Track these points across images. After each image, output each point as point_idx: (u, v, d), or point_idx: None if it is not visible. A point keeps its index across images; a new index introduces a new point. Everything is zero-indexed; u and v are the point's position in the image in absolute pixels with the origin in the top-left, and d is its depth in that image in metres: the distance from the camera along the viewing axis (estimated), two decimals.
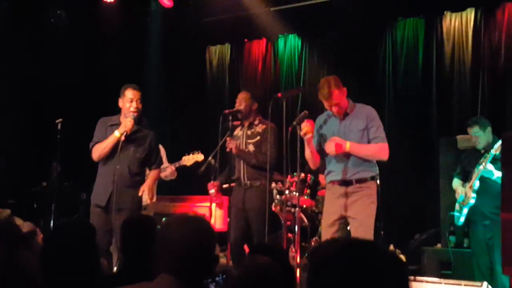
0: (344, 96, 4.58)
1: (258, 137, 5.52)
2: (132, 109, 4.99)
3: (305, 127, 4.56)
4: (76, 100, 8.55)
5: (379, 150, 4.52)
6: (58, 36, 8.50)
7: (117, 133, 4.93)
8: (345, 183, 4.54)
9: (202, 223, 2.01)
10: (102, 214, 4.94)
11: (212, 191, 5.64)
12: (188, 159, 6.39)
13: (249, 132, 5.59)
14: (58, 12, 8.15)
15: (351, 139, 4.52)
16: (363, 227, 4.40)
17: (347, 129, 4.59)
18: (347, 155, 4.49)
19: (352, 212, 4.48)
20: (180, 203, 7.69)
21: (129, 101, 5.02)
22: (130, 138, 5.00)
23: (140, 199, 5.11)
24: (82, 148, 7.42)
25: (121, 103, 5.10)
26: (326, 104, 4.59)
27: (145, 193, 5.01)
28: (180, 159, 6.55)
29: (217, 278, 2.34)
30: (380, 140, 4.52)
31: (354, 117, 4.60)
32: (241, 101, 5.61)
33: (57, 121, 5.99)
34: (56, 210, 6.17)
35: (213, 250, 2.01)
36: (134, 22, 9.08)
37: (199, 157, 6.28)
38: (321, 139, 4.72)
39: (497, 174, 5.01)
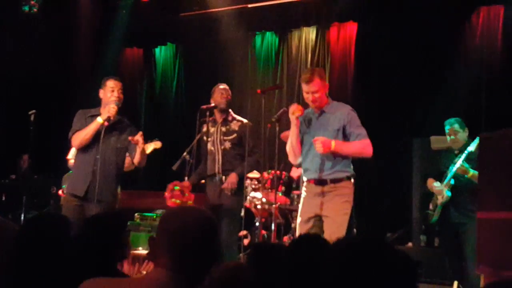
0: (324, 90, 4.57)
1: (235, 135, 5.46)
2: (113, 98, 4.94)
3: (294, 107, 4.57)
4: (46, 92, 8.43)
5: (364, 146, 4.48)
6: (30, 27, 8.36)
7: (99, 119, 4.85)
8: (320, 182, 4.53)
9: (203, 214, 1.93)
10: (77, 205, 4.87)
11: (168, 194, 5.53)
12: (147, 147, 6.33)
13: (223, 129, 5.51)
14: (32, 2, 8.00)
15: (326, 136, 4.51)
16: (336, 224, 4.40)
17: (322, 127, 4.58)
18: (322, 154, 4.48)
19: (326, 211, 4.45)
20: (153, 198, 7.63)
21: (110, 90, 4.96)
22: (111, 128, 4.93)
23: (117, 192, 5.07)
24: (52, 141, 7.38)
25: (102, 93, 5.03)
26: (304, 90, 4.55)
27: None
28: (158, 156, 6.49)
29: None
30: (363, 137, 4.48)
31: (330, 116, 4.58)
32: (227, 95, 5.52)
33: (30, 112, 5.87)
34: (26, 203, 6.05)
35: (215, 243, 1.95)
36: (108, 15, 8.97)
37: (157, 144, 6.19)
38: (300, 135, 4.72)
39: (471, 173, 5.08)
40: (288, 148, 4.77)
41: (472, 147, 5.04)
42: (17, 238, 2.48)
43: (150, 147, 6.22)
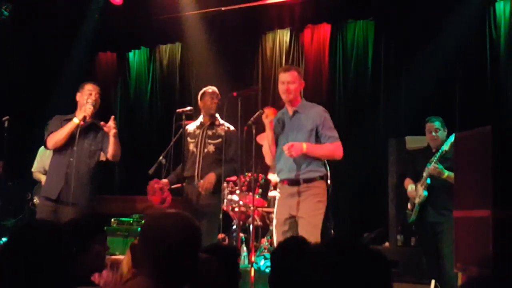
0: (299, 85, 4.64)
1: (220, 139, 5.43)
2: (90, 101, 4.93)
3: (268, 110, 4.63)
4: (20, 98, 8.32)
5: (334, 149, 4.56)
6: (3, 31, 8.24)
7: (76, 120, 4.87)
8: (293, 182, 4.56)
9: (185, 220, 1.89)
10: (51, 210, 4.81)
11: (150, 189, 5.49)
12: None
13: (210, 132, 5.49)
14: (5, 6, 7.88)
15: (298, 137, 4.54)
16: (310, 225, 4.42)
17: (296, 128, 4.61)
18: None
19: (300, 212, 4.49)
20: (129, 203, 7.59)
21: (88, 94, 5.00)
22: (85, 131, 4.93)
23: (92, 196, 5.03)
24: (27, 147, 7.28)
25: (78, 96, 5.05)
26: (280, 80, 4.60)
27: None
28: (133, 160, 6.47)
29: None
30: (335, 139, 4.56)
31: (303, 116, 4.62)
32: (213, 98, 5.49)
33: (4, 118, 5.80)
34: (1, 210, 5.97)
35: (197, 249, 1.91)
36: (81, 19, 8.88)
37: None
38: (280, 138, 4.74)
39: (446, 174, 5.13)
40: (264, 150, 4.80)
41: (446, 146, 5.09)
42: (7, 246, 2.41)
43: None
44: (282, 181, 4.66)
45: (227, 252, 2.99)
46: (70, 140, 4.86)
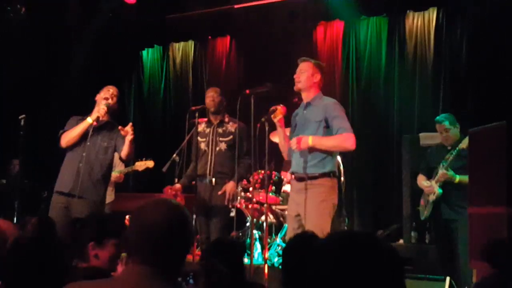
0: (312, 78, 4.58)
1: (231, 136, 5.47)
2: (104, 101, 4.99)
3: (276, 109, 4.62)
4: (36, 97, 8.39)
5: (343, 140, 4.38)
6: (18, 30, 8.31)
7: (89, 119, 4.93)
8: (300, 178, 4.50)
9: (174, 205, 1.89)
10: (63, 205, 4.86)
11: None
12: (140, 165, 6.44)
13: (220, 130, 5.53)
14: (18, 6, 7.95)
15: (307, 129, 4.50)
16: (316, 228, 4.28)
17: (307, 120, 4.58)
18: (301, 149, 4.46)
19: (304, 212, 4.40)
20: (144, 200, 7.61)
21: (105, 95, 5.04)
22: (99, 128, 4.98)
23: (104, 193, 5.07)
24: (42, 146, 7.34)
25: (98, 97, 5.11)
26: (296, 72, 4.63)
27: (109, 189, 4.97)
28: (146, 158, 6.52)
29: (187, 278, 2.29)
30: (344, 130, 4.39)
31: (314, 108, 4.56)
32: (215, 97, 5.55)
33: (20, 117, 5.85)
34: (18, 208, 6.03)
35: (188, 234, 1.90)
36: (96, 18, 8.93)
37: (150, 163, 6.34)
38: (293, 128, 4.73)
39: (457, 179, 5.10)
40: (280, 147, 4.81)
41: (463, 145, 5.02)
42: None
43: (142, 166, 6.32)
44: (292, 174, 4.63)
45: (232, 247, 3.01)
46: (83, 137, 4.93)
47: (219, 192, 5.34)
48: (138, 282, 1.78)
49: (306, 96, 4.64)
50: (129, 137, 4.83)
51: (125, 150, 4.90)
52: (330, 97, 4.72)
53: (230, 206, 5.42)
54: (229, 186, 5.36)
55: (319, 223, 4.25)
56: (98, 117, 4.91)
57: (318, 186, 4.39)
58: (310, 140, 4.37)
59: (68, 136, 4.97)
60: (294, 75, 4.63)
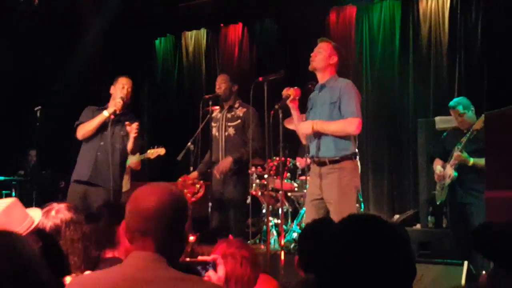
0: (328, 58, 4.51)
1: (239, 121, 5.53)
2: (123, 94, 5.03)
3: (289, 90, 4.56)
4: (51, 88, 8.44)
5: (346, 124, 4.37)
6: (32, 22, 8.36)
7: (106, 113, 5.00)
8: (320, 163, 4.45)
9: (174, 192, 1.88)
10: (80, 195, 4.92)
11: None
12: (152, 153, 6.50)
13: (229, 115, 5.59)
14: None
15: (322, 111, 4.47)
16: (340, 213, 4.27)
17: (321, 102, 4.54)
18: (319, 132, 4.44)
19: (327, 196, 4.37)
20: None
21: (121, 87, 5.11)
22: (116, 119, 5.03)
23: (121, 181, 5.12)
24: (59, 136, 7.39)
25: (112, 90, 5.17)
26: (315, 48, 4.57)
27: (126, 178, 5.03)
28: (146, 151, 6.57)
29: (207, 266, 2.29)
30: (349, 114, 4.36)
31: (329, 90, 4.50)
32: (221, 84, 5.60)
33: (36, 108, 5.91)
34: (36, 199, 6.10)
35: (186, 219, 1.90)
36: (107, 7, 8.93)
37: (162, 151, 6.40)
38: (308, 114, 4.69)
39: (471, 161, 5.07)
40: (296, 128, 4.75)
41: (477, 126, 4.97)
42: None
43: (154, 154, 6.37)
44: (311, 159, 4.59)
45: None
46: (100, 129, 5.00)
47: (215, 167, 5.36)
48: (142, 269, 1.78)
49: (321, 77, 4.58)
50: (133, 134, 4.91)
51: (129, 145, 5.02)
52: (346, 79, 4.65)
53: (218, 176, 5.40)
54: (224, 161, 5.42)
55: (345, 207, 4.23)
56: (114, 111, 4.98)
57: (339, 170, 4.35)
58: (313, 125, 4.36)
59: (85, 129, 5.04)
60: (312, 53, 4.56)
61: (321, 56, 4.51)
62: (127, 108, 5.17)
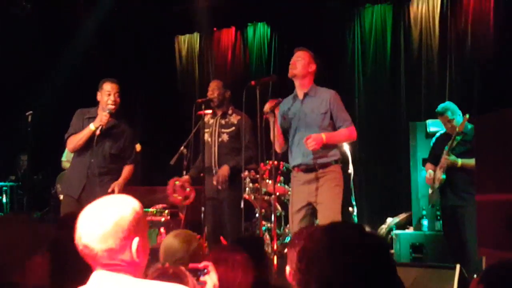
0: (308, 66, 4.63)
1: (233, 128, 5.49)
2: (109, 102, 4.90)
3: (267, 104, 4.64)
4: (42, 92, 8.43)
5: (350, 134, 4.62)
6: (25, 26, 8.33)
7: (92, 127, 4.85)
8: (308, 170, 4.55)
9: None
10: (74, 205, 4.87)
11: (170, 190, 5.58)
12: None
13: (223, 122, 5.55)
14: (24, 3, 7.96)
15: (311, 120, 4.55)
16: (330, 211, 4.41)
17: (308, 111, 4.60)
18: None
19: (320, 198, 4.49)
20: (152, 194, 7.63)
21: (106, 94, 4.93)
22: (106, 133, 4.92)
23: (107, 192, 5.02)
24: (50, 141, 7.37)
25: (99, 96, 5.00)
26: (292, 59, 4.66)
27: (116, 190, 4.93)
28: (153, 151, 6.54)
29: (198, 273, 2.30)
30: (349, 123, 4.61)
31: (314, 99, 4.62)
32: (214, 90, 5.55)
33: (27, 113, 5.86)
34: (27, 204, 6.06)
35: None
36: (101, 11, 8.92)
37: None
38: (282, 121, 4.72)
39: (460, 163, 5.10)
40: (271, 136, 4.75)
41: (461, 127, 5.05)
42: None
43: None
44: (296, 167, 4.66)
45: (252, 242, 3.02)
46: (90, 141, 4.88)
47: (214, 179, 5.33)
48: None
49: (300, 85, 4.69)
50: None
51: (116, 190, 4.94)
52: (332, 89, 4.74)
53: (219, 187, 5.39)
54: (222, 170, 5.37)
55: (334, 206, 4.48)
56: (101, 126, 4.84)
57: (330, 173, 4.54)
58: (324, 138, 4.43)
59: (74, 142, 4.94)
60: (290, 62, 4.67)
61: (301, 64, 4.62)
62: (119, 116, 5.05)
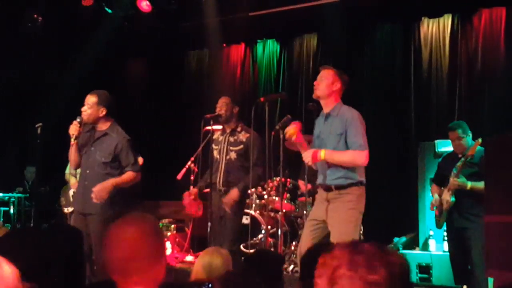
0: (331, 86, 4.48)
1: (242, 146, 5.44)
2: (82, 112, 4.92)
3: (289, 130, 4.52)
4: (52, 105, 8.47)
5: (354, 157, 4.35)
6: (37, 40, 8.40)
7: (72, 140, 4.92)
8: (326, 188, 4.46)
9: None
10: (79, 218, 4.87)
11: (186, 201, 5.62)
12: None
13: (231, 139, 5.51)
14: (35, 16, 8.03)
15: (328, 141, 4.44)
16: (338, 234, 4.24)
17: (327, 131, 4.52)
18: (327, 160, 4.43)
19: (331, 219, 4.35)
20: (160, 208, 7.65)
21: (83, 107, 4.95)
22: (96, 143, 4.92)
23: (110, 205, 4.81)
24: (58, 154, 7.39)
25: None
26: (317, 79, 4.55)
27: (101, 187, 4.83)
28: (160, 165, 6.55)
29: (203, 287, 2.26)
30: (357, 146, 4.34)
31: (336, 120, 4.46)
32: (222, 106, 5.53)
33: (37, 125, 5.87)
34: (35, 216, 6.06)
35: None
36: (111, 27, 8.99)
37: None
38: (315, 140, 4.66)
39: (469, 185, 5.06)
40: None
41: (471, 151, 5.01)
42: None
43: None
44: (318, 185, 4.59)
45: (273, 260, 2.99)
46: (81, 155, 4.96)
47: (223, 200, 5.32)
48: None
49: (325, 104, 4.55)
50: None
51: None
52: (351, 106, 4.58)
53: (227, 210, 5.37)
54: (232, 194, 5.33)
55: (345, 230, 4.23)
56: (74, 135, 4.86)
57: (345, 195, 4.35)
58: (322, 155, 4.34)
59: (70, 160, 5.04)
60: (314, 82, 4.56)
61: (324, 84, 4.48)
62: (112, 125, 4.97)
